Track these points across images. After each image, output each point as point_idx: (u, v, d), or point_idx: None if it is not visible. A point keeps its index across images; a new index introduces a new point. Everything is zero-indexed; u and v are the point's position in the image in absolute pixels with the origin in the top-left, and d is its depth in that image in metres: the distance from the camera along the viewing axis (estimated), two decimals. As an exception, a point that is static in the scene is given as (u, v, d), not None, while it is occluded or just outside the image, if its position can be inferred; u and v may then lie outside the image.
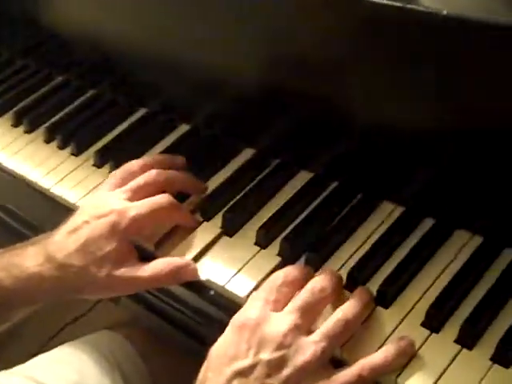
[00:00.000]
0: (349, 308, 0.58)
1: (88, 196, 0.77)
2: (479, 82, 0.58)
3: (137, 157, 0.82)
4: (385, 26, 0.61)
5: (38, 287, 0.67)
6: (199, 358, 0.58)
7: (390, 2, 0.58)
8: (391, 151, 0.68)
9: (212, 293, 0.67)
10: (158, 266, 0.66)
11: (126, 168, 0.73)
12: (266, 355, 0.54)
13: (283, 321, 0.56)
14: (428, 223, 0.67)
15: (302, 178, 0.75)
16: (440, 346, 0.57)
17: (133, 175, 0.72)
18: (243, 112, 0.81)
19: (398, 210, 0.69)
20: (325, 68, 0.68)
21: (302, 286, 0.58)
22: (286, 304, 0.58)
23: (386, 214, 0.69)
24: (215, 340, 0.58)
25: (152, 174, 0.72)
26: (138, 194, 0.70)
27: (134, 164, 0.73)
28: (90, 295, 0.68)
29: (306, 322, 0.56)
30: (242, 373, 0.54)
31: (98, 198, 0.71)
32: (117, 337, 0.81)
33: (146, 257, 0.69)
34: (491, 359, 0.55)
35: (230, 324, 0.58)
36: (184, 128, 0.86)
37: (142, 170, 0.73)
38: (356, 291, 0.60)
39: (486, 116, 0.59)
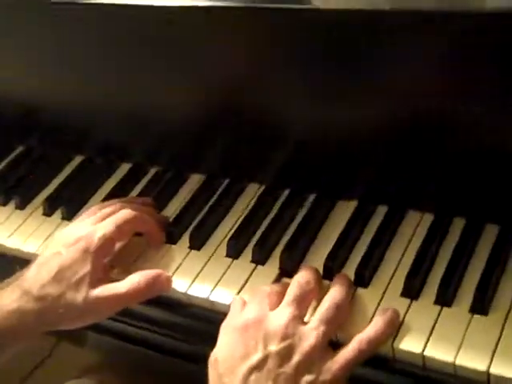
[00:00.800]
0: (335, 293, 0.63)
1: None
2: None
3: (85, 200, 0.85)
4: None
5: (19, 323, 0.67)
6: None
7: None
8: (329, 151, 0.75)
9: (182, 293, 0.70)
10: (135, 279, 0.68)
11: (95, 207, 0.76)
12: (274, 347, 0.58)
13: (282, 314, 0.60)
14: (382, 210, 0.74)
15: (253, 190, 0.81)
16: (422, 311, 0.62)
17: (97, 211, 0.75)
18: (183, 141, 0.85)
19: (352, 205, 0.75)
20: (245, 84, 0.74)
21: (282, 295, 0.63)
22: (279, 302, 0.62)
23: (342, 211, 0.75)
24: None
25: (117, 204, 0.75)
26: (103, 220, 0.72)
27: (100, 205, 0.77)
28: (72, 322, 0.69)
29: (302, 312, 0.61)
30: (257, 367, 0.57)
31: (63, 232, 0.73)
32: None
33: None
34: (470, 311, 0.61)
35: (230, 329, 0.61)
36: (126, 167, 0.90)
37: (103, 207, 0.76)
38: (335, 278, 0.66)
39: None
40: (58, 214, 0.84)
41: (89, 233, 0.70)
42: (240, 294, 0.68)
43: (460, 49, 0.61)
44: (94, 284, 0.67)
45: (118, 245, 0.72)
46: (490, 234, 0.68)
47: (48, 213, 0.85)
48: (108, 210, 0.74)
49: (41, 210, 0.85)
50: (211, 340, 0.63)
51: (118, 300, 0.67)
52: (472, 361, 0.58)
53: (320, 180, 0.78)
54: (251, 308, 0.62)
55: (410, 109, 0.67)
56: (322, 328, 0.59)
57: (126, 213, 0.72)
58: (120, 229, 0.70)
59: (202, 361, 0.68)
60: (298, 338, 0.58)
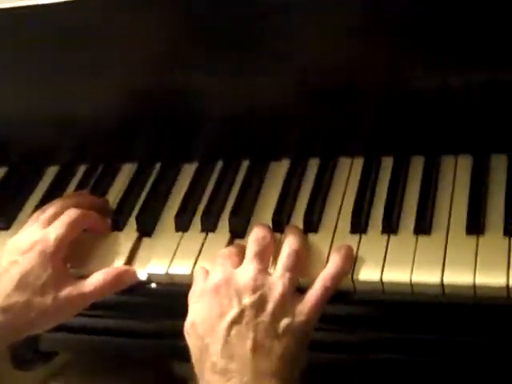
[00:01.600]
0: (290, 241, 0.67)
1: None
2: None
3: (20, 207, 0.85)
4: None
5: None
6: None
7: None
8: (253, 119, 0.79)
9: (154, 286, 0.72)
10: (100, 276, 0.70)
11: (37, 212, 0.77)
12: (248, 300, 0.61)
13: (247, 270, 0.64)
14: (315, 162, 0.79)
15: (189, 169, 0.83)
16: (372, 242, 0.67)
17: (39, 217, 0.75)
18: (109, 135, 0.87)
19: (285, 164, 0.80)
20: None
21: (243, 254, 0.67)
22: (240, 261, 0.66)
23: (277, 171, 0.79)
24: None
25: (57, 203, 0.76)
26: (51, 222, 0.73)
27: (44, 207, 0.77)
28: (42, 326, 0.69)
29: (265, 265, 0.65)
30: (235, 321, 0.60)
31: (14, 240, 0.73)
32: None
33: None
34: (415, 233, 0.67)
35: (200, 294, 0.64)
36: (53, 170, 0.90)
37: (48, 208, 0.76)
38: (286, 229, 0.70)
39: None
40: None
41: (42, 236, 0.70)
42: (198, 263, 0.71)
43: None
44: (58, 284, 0.68)
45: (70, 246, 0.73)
46: (417, 165, 0.74)
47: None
48: (51, 211, 0.74)
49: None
50: (173, 314, 0.67)
51: (85, 299, 0.69)
52: (425, 276, 0.63)
53: (250, 146, 0.82)
54: (216, 271, 0.65)
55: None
56: (286, 275, 0.63)
57: (71, 212, 0.73)
58: (70, 228, 0.72)
59: (166, 335, 0.72)
60: (268, 287, 0.62)
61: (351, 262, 0.66)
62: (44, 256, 0.69)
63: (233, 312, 0.61)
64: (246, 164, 0.81)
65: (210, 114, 0.80)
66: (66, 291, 0.68)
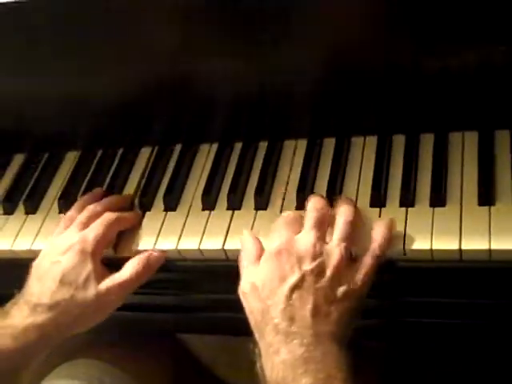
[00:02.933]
0: (346, 212, 0.71)
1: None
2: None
3: (42, 192, 0.89)
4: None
5: (38, 337, 0.72)
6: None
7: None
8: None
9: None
10: (133, 264, 0.75)
11: (67, 216, 0.81)
12: (308, 266, 0.66)
13: (307, 238, 0.68)
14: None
15: (205, 149, 0.88)
16: (393, 215, 0.73)
17: (74, 219, 0.80)
18: (129, 121, 0.91)
19: (302, 144, 0.85)
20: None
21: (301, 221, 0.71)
22: (299, 227, 0.70)
23: (292, 150, 0.85)
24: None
25: (90, 208, 0.81)
26: (86, 225, 0.78)
27: (70, 212, 0.82)
28: (88, 321, 0.75)
29: (323, 234, 0.70)
30: (297, 286, 0.65)
31: (52, 244, 0.78)
32: (99, 363, 0.87)
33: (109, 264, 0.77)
34: (431, 206, 0.73)
35: (264, 258, 0.68)
36: (72, 155, 0.94)
37: (78, 211, 0.81)
38: (340, 200, 0.73)
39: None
40: (20, 210, 0.88)
41: (80, 237, 0.75)
42: (227, 239, 0.76)
43: None
44: (99, 279, 0.73)
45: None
46: (427, 142, 0.80)
47: (9, 211, 0.88)
48: (85, 215, 0.79)
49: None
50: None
51: (124, 287, 0.74)
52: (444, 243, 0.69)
53: (267, 126, 0.87)
54: (278, 236, 0.69)
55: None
56: (342, 244, 0.68)
57: (107, 215, 0.78)
58: (107, 229, 0.77)
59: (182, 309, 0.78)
60: (326, 255, 0.67)
61: (393, 232, 0.70)
62: (84, 254, 0.74)
63: (294, 277, 0.65)
64: (264, 144, 0.86)
65: (226, 94, 0.85)
66: (106, 284, 0.73)
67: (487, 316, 0.71)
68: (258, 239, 0.72)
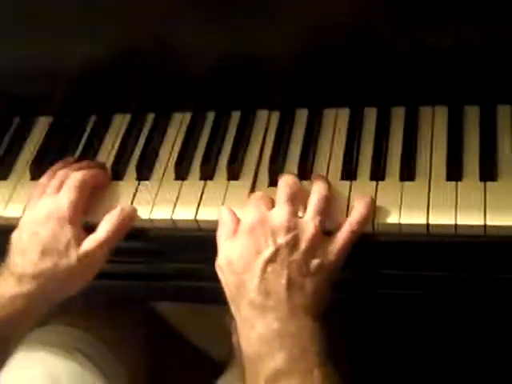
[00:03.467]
0: (319, 187, 0.73)
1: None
2: None
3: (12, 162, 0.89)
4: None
5: (25, 305, 0.72)
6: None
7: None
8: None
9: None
10: (108, 221, 0.75)
11: (39, 183, 0.81)
12: (283, 239, 0.67)
13: (281, 212, 0.69)
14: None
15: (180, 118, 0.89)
16: (363, 189, 0.75)
17: (46, 186, 0.80)
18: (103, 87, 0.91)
19: (275, 115, 0.86)
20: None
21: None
22: (272, 204, 0.72)
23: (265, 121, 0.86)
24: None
25: (61, 173, 0.80)
26: (60, 190, 0.78)
27: (42, 180, 0.82)
28: (73, 287, 0.75)
29: (297, 208, 0.71)
30: (271, 259, 0.66)
31: (28, 216, 0.78)
32: (75, 331, 0.89)
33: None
34: (400, 180, 0.75)
35: (239, 233, 0.69)
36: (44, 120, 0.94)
37: (50, 178, 0.81)
38: (314, 176, 0.75)
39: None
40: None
41: (55, 204, 0.75)
42: (200, 209, 0.77)
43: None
44: (79, 244, 0.74)
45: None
46: (398, 116, 0.82)
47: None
48: (55, 181, 0.79)
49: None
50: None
51: (103, 246, 0.74)
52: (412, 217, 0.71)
53: (241, 96, 0.87)
54: (251, 211, 0.70)
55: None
56: (317, 218, 0.69)
57: (76, 175, 0.78)
58: (79, 190, 0.77)
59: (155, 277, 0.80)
60: (300, 228, 0.68)
61: (371, 209, 0.71)
62: (61, 221, 0.74)
63: (269, 250, 0.67)
64: (237, 114, 0.87)
65: (199, 63, 0.85)
66: (85, 246, 0.74)
67: (455, 288, 0.73)
68: (235, 213, 0.73)
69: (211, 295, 0.73)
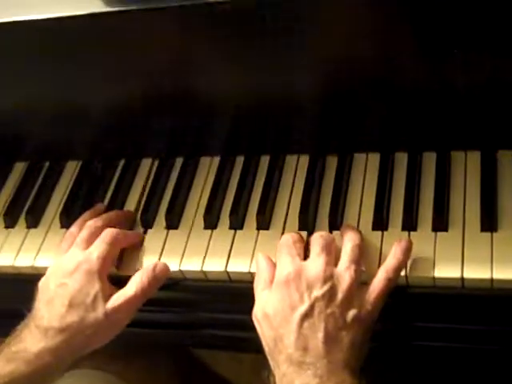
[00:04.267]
0: (351, 236, 0.72)
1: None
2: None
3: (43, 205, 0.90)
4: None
5: (50, 360, 0.72)
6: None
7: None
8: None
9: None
10: (137, 279, 0.75)
11: (68, 233, 0.82)
12: (318, 292, 0.67)
13: (316, 263, 0.69)
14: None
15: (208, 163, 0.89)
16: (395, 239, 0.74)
17: (76, 236, 0.80)
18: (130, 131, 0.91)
19: (304, 160, 0.86)
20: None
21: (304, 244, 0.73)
22: (303, 250, 0.71)
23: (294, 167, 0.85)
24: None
25: (90, 224, 0.81)
26: (90, 242, 0.78)
27: (71, 229, 0.82)
28: (100, 340, 0.75)
29: (332, 258, 0.70)
30: (307, 314, 0.66)
31: (57, 265, 0.78)
32: (104, 375, 0.88)
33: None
34: (433, 230, 0.74)
35: (274, 286, 0.69)
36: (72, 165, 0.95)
37: (80, 227, 0.81)
38: (344, 226, 0.75)
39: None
40: (21, 224, 0.88)
41: (85, 257, 0.76)
42: (230, 260, 0.77)
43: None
44: (106, 299, 0.74)
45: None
46: (429, 161, 0.80)
47: (10, 224, 0.89)
48: (85, 233, 0.79)
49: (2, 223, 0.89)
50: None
51: (131, 303, 0.74)
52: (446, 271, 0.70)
53: (269, 141, 0.87)
54: (285, 262, 0.70)
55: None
56: (352, 267, 0.69)
57: (109, 231, 0.78)
58: (111, 246, 0.77)
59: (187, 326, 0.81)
60: (336, 279, 0.68)
61: (409, 255, 0.71)
62: (90, 274, 0.74)
63: (305, 305, 0.66)
64: (265, 159, 0.86)
65: (226, 109, 0.85)
66: (113, 302, 0.74)
67: (489, 341, 0.72)
68: (272, 263, 0.72)
69: (245, 344, 0.73)
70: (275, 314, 0.67)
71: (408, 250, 0.71)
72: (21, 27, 0.78)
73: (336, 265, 0.70)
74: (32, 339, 0.73)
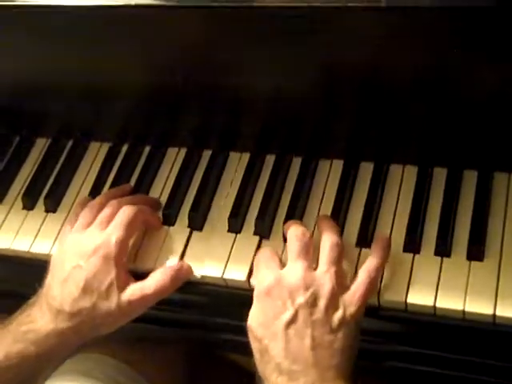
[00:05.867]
0: (329, 235, 0.71)
1: (59, 245, 0.80)
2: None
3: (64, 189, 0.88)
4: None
5: (58, 343, 0.72)
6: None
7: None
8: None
9: (199, 276, 0.76)
10: (159, 276, 0.74)
11: (87, 210, 0.80)
12: (301, 299, 0.65)
13: (295, 269, 0.68)
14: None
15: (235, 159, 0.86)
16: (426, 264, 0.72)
17: (96, 213, 0.78)
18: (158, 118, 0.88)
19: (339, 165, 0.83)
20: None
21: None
22: (282, 260, 0.71)
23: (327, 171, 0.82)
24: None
25: (113, 202, 0.79)
26: (109, 222, 0.76)
27: (92, 204, 0.80)
28: (109, 328, 0.74)
29: (309, 261, 0.69)
30: (292, 321, 0.65)
31: (74, 242, 0.76)
32: (114, 362, 0.87)
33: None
34: (468, 258, 0.71)
35: (255, 297, 0.68)
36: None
37: (101, 206, 0.79)
38: (321, 223, 0.74)
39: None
40: (40, 207, 0.87)
41: (103, 240, 0.74)
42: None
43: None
44: (121, 288, 0.72)
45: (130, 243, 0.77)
46: (470, 182, 0.77)
47: (29, 206, 0.87)
48: (107, 212, 0.77)
49: (20, 204, 0.87)
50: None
51: (147, 299, 0.73)
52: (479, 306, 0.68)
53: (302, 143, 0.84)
54: (263, 273, 0.69)
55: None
56: (332, 269, 0.68)
57: (127, 210, 0.76)
58: (129, 228, 0.75)
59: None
60: (317, 284, 0.66)
61: (389, 251, 0.71)
62: (107, 260, 0.73)
63: (288, 313, 0.65)
64: (297, 160, 0.83)
65: (260, 105, 0.82)
66: (129, 294, 0.72)
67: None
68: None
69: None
70: (259, 325, 0.66)
71: (388, 248, 0.71)
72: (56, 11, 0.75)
73: (316, 266, 0.69)
74: (42, 319, 0.72)
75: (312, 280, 0.67)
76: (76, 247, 0.75)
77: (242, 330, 0.78)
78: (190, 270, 0.76)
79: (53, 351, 0.72)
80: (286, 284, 0.67)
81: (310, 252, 0.70)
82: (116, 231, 0.75)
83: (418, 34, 0.68)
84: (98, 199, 0.81)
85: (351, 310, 0.66)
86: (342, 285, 0.67)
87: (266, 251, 0.73)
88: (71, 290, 0.72)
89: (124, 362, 0.89)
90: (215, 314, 0.78)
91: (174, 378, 0.93)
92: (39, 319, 0.73)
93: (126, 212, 0.76)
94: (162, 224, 0.81)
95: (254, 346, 0.67)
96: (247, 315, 0.71)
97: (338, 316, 0.65)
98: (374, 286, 0.69)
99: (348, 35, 0.70)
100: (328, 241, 0.70)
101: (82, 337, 0.73)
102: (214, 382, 0.97)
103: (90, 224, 0.77)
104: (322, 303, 0.65)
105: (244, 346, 0.80)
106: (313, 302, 0.65)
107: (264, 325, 0.66)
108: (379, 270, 0.69)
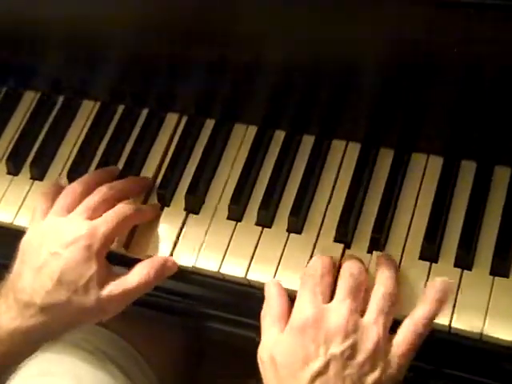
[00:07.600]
0: (386, 280, 0.63)
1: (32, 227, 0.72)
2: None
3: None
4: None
5: (25, 340, 0.66)
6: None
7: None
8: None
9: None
10: (142, 270, 0.68)
11: (69, 191, 0.73)
12: (337, 348, 0.58)
13: (339, 310, 0.60)
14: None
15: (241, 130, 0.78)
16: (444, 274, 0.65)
17: (80, 196, 0.72)
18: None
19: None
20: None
21: (333, 274, 0.64)
22: (331, 293, 0.62)
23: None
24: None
25: (103, 189, 0.72)
26: (98, 212, 0.70)
27: (75, 186, 0.73)
28: (80, 325, 0.69)
29: (358, 304, 0.61)
30: (320, 373, 0.57)
31: (54, 226, 0.70)
32: (106, 332, 0.83)
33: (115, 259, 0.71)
34: (491, 274, 0.65)
35: (289, 326, 0.61)
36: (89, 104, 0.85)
37: (85, 189, 0.73)
38: (380, 262, 0.65)
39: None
40: (26, 174, 0.80)
41: (89, 230, 0.67)
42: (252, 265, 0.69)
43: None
44: (101, 283, 0.66)
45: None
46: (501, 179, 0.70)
47: (14, 172, 0.81)
48: (97, 199, 0.71)
49: (4, 168, 0.81)
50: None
51: (129, 295, 0.67)
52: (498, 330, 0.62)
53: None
54: (305, 302, 0.62)
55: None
56: (381, 320, 0.60)
57: (124, 209, 0.70)
58: (121, 225, 0.69)
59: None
60: (361, 333, 0.59)
61: (447, 299, 0.61)
62: (88, 252, 0.66)
63: (318, 362, 0.58)
64: (310, 139, 0.76)
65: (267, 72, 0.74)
66: (109, 290, 0.66)
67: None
68: (285, 294, 0.64)
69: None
70: (284, 365, 0.59)
71: (446, 294, 0.61)
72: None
73: (363, 311, 0.61)
74: (7, 314, 0.66)
75: (355, 327, 0.59)
76: (56, 232, 0.68)
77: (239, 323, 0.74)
78: (174, 265, 0.70)
79: (17, 349, 0.66)
80: (325, 326, 0.59)
81: (361, 293, 0.62)
82: (105, 224, 0.68)
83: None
84: (78, 182, 0.74)
85: (390, 371, 0.58)
86: (387, 339, 0.60)
87: (317, 267, 0.64)
88: (45, 281, 0.65)
89: (115, 332, 0.85)
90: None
91: (171, 354, 0.89)
92: (3, 314, 0.66)
93: (122, 210, 0.70)
94: (157, 209, 0.75)
95: (270, 380, 0.60)
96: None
97: (374, 376, 0.58)
98: (421, 341, 0.59)
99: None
100: (383, 285, 0.62)
101: (50, 334, 0.68)
102: (209, 361, 0.94)
103: (72, 208, 0.71)
104: (360, 357, 0.58)
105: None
106: (350, 355, 0.58)
107: (290, 367, 0.59)
108: (430, 323, 0.60)
